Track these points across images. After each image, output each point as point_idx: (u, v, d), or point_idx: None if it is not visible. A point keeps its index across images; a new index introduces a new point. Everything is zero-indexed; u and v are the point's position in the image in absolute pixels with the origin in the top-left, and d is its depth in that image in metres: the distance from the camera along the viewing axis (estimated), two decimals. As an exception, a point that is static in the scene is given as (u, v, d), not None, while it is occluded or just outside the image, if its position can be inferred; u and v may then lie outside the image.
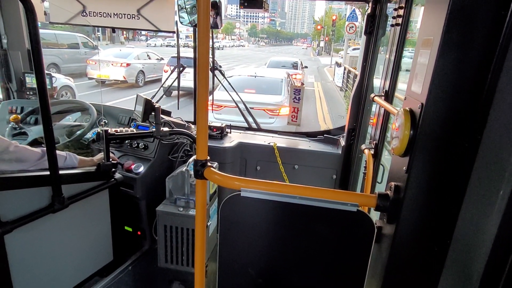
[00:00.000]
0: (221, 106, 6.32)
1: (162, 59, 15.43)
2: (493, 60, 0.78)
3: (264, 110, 6.54)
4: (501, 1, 0.75)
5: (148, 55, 14.93)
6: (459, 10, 0.80)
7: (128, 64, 13.24)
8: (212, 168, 1.15)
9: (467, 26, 0.80)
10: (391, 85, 1.81)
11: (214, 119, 6.16)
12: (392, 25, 1.82)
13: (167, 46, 44.61)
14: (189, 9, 2.66)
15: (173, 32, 2.68)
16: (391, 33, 1.86)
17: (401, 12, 1.67)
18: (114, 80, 13.26)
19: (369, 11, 2.30)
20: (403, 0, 1.66)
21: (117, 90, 13.02)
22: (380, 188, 1.95)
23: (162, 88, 3.40)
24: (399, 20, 1.69)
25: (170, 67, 11.67)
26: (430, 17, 0.91)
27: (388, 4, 2.18)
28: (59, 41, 13.51)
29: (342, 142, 2.71)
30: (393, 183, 1.03)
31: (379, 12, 2.22)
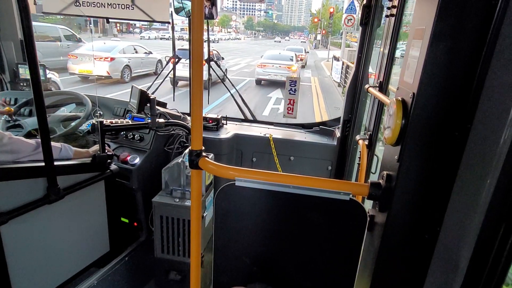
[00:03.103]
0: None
1: (150, 52, 14.74)
2: (484, 50, 0.79)
3: (285, 67, 14.00)
4: None
5: (135, 49, 14.02)
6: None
7: (112, 59, 12.28)
8: (207, 158, 1.15)
9: (458, 16, 0.81)
10: (385, 77, 1.82)
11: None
12: (387, 16, 1.82)
13: (161, 39, 43.83)
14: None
15: (168, 23, 2.66)
16: (386, 24, 1.86)
17: (395, 2, 1.67)
18: (97, 75, 12.35)
19: (364, 2, 2.29)
20: None
21: (100, 87, 12.14)
22: (374, 178, 1.97)
23: (158, 80, 3.39)
24: (394, 11, 1.69)
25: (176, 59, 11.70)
26: (422, 7, 0.92)
27: None
28: (38, 33, 12.28)
29: (338, 133, 2.72)
30: (385, 172, 1.05)
31: (374, 2, 2.22)
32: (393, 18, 1.71)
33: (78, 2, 2.54)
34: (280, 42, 71.90)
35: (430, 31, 0.83)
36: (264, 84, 14.84)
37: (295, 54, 16.69)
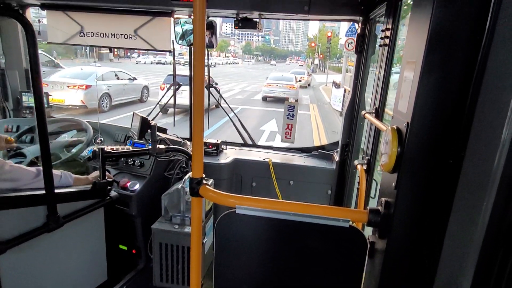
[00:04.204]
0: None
1: (135, 78, 13.81)
2: (472, 82, 0.83)
3: (287, 86, 16.61)
4: (476, 27, 0.81)
5: (116, 75, 12.92)
6: (438, 35, 0.85)
7: (88, 86, 11.01)
8: (207, 186, 1.17)
9: (447, 50, 0.85)
10: (381, 103, 1.86)
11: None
12: (380, 46, 1.89)
13: (157, 63, 43.29)
14: (185, 29, 2.74)
15: (169, 51, 2.74)
16: (380, 53, 1.93)
17: (388, 33, 1.74)
18: (71, 105, 10.79)
19: (359, 31, 2.39)
20: (390, 22, 1.74)
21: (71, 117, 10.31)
22: (374, 203, 1.98)
23: (158, 105, 3.44)
24: (387, 41, 1.76)
25: (166, 85, 11.34)
26: (412, 41, 0.97)
27: (377, 24, 2.27)
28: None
29: (336, 157, 2.74)
30: (383, 199, 1.06)
31: (368, 32, 2.31)
32: (386, 48, 1.78)
33: (83, 33, 2.64)
34: (275, 65, 77.77)
35: (421, 64, 0.87)
36: (258, 113, 13.70)
37: (295, 76, 19.13)
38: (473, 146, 0.82)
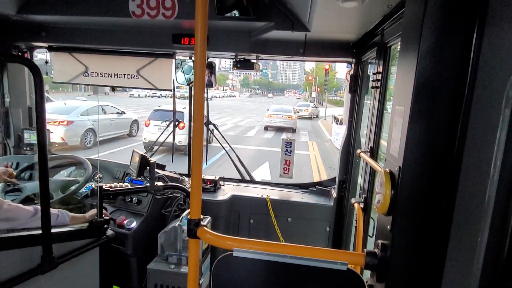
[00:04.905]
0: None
1: (123, 112, 13.27)
2: (458, 128, 0.87)
3: (286, 117, 18.48)
4: (459, 79, 0.87)
5: (103, 109, 12.23)
6: (424, 84, 0.91)
7: (69, 122, 10.42)
8: (205, 228, 1.17)
9: (433, 98, 0.91)
10: (375, 142, 1.91)
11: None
12: (372, 87, 1.97)
13: (152, 96, 41.60)
14: (185, 69, 2.86)
15: (170, 90, 2.84)
16: (372, 94, 2.01)
17: (379, 76, 1.83)
18: (51, 142, 9.88)
19: (352, 71, 2.49)
20: (381, 64, 1.82)
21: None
22: (372, 242, 1.96)
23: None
24: (378, 84, 1.84)
25: (150, 121, 10.35)
26: (400, 89, 1.03)
27: (370, 65, 2.38)
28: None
29: (334, 193, 2.75)
30: (380, 241, 1.07)
31: (361, 73, 2.41)
32: (378, 90, 1.86)
33: (87, 73, 2.74)
34: (272, 97, 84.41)
35: (409, 111, 0.92)
36: (249, 153, 11.60)
37: (293, 108, 22.07)
38: (464, 190, 0.85)
